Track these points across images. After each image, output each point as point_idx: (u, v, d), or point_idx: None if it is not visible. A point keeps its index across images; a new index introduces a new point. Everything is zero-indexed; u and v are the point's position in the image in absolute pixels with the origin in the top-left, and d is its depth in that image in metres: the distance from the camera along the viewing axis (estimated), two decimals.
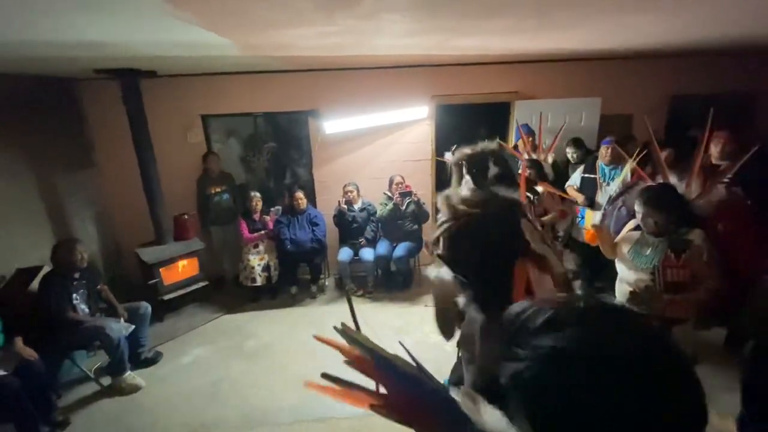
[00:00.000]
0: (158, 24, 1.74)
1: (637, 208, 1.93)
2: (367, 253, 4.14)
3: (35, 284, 2.96)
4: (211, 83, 4.14)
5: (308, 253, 4.13)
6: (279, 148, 4.79)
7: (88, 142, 4.19)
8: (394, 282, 4.28)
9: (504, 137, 4.49)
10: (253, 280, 4.00)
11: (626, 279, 2.02)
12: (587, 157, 3.79)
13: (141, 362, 3.17)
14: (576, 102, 4.24)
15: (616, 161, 3.47)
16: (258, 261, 4.03)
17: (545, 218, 3.16)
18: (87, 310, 2.99)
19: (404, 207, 4.17)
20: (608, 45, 3.21)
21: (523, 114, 4.23)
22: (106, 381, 2.97)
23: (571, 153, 3.92)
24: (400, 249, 4.15)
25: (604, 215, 2.21)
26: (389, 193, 4.25)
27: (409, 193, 4.16)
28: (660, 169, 2.28)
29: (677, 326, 1.89)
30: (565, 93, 4.32)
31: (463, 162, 2.03)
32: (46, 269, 3.03)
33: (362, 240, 4.27)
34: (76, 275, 2.94)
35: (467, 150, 2.19)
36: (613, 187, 3.47)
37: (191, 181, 4.23)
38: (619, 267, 2.06)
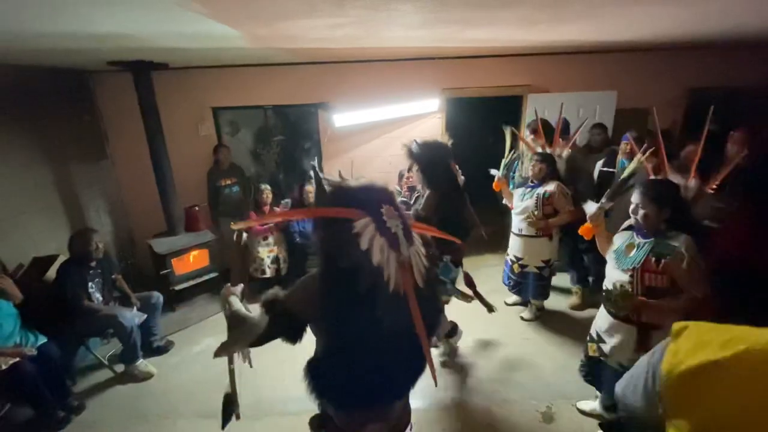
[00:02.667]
0: (170, 15, 1.74)
1: (634, 199, 1.86)
2: None
3: (51, 273, 3.04)
4: (222, 76, 4.15)
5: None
6: (288, 142, 4.79)
7: (102, 134, 4.25)
8: None
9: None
10: (263, 272, 4.03)
11: (609, 277, 1.98)
12: (607, 146, 3.72)
13: (153, 350, 3.23)
14: (591, 95, 4.15)
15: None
16: (267, 253, 4.06)
17: (553, 220, 3.02)
18: (101, 298, 3.05)
19: (412, 201, 4.14)
20: (626, 37, 3.13)
21: (536, 108, 4.15)
22: (120, 368, 3.04)
23: (597, 135, 3.85)
24: None
25: (600, 208, 2.19)
26: (398, 187, 4.22)
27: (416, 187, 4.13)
28: (661, 165, 2.21)
29: (655, 332, 1.85)
30: (580, 86, 4.24)
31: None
32: (62, 258, 3.10)
33: None
34: (92, 264, 2.99)
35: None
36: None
37: (202, 173, 4.27)
38: (608, 264, 2.04)
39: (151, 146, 3.68)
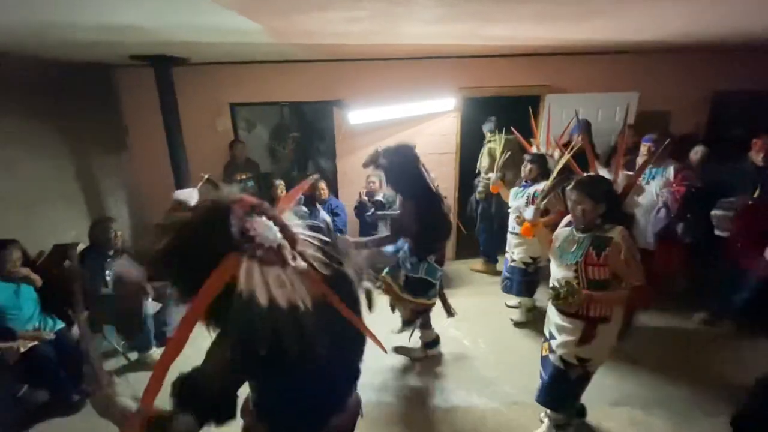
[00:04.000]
0: (192, 8, 1.77)
1: (569, 194, 1.91)
2: (388, 247, 4.12)
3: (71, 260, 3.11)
4: (240, 72, 4.20)
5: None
6: (303, 138, 4.82)
7: (122, 127, 4.34)
8: None
9: (532, 132, 4.38)
10: None
11: (554, 274, 2.00)
12: (631, 152, 3.65)
13: (166, 340, 3.28)
14: (611, 97, 4.07)
15: (659, 160, 3.32)
16: None
17: (544, 219, 2.83)
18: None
19: (370, 209, 4.11)
20: (651, 35, 3.06)
21: (553, 109, 4.09)
22: (134, 356, 3.10)
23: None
24: None
25: (536, 209, 2.24)
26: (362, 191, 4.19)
27: None
28: (590, 161, 2.26)
29: (602, 325, 1.87)
30: (600, 88, 4.16)
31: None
32: (82, 246, 3.18)
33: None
34: (111, 253, 3.06)
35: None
36: (654, 187, 3.33)
37: (218, 168, 4.32)
38: (551, 263, 2.05)
39: (169, 140, 3.74)
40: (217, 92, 4.28)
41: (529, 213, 2.35)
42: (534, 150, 3.48)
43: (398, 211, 2.87)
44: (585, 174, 2.09)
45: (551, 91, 4.19)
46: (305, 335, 0.82)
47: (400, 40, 2.98)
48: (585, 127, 3.77)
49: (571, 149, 2.37)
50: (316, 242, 1.00)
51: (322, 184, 4.17)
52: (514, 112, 4.10)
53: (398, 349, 3.06)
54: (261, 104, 4.48)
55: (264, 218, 0.93)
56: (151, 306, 3.08)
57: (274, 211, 0.95)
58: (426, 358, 3.02)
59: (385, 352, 1.14)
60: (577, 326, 1.91)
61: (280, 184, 4.18)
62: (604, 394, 2.58)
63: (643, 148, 3.37)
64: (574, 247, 1.90)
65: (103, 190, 3.95)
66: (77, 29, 2.18)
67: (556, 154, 3.19)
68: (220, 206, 0.88)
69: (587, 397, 2.54)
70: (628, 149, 3.76)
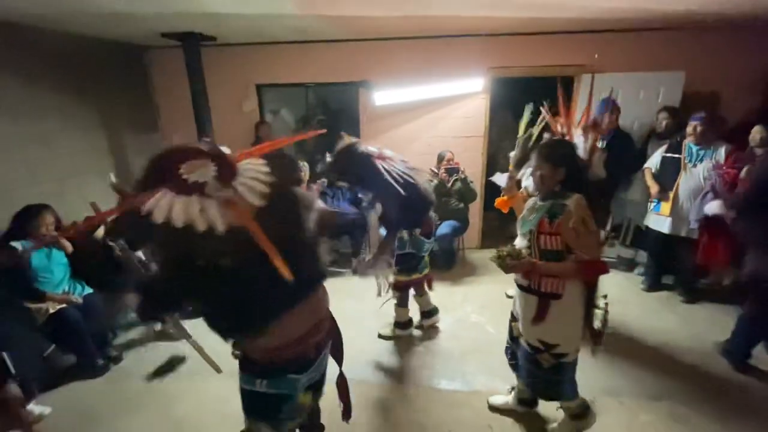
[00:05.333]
0: None
1: (532, 160, 1.81)
2: None
3: (100, 231, 3.20)
4: (267, 52, 4.21)
5: (350, 225, 4.11)
6: (328, 121, 4.80)
7: (154, 107, 4.46)
8: (437, 261, 4.14)
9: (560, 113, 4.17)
10: None
11: (518, 246, 1.85)
12: (676, 133, 3.39)
13: (188, 314, 3.31)
14: (653, 77, 3.79)
15: (708, 141, 3.07)
16: None
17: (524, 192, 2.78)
18: (143, 259, 3.17)
19: (450, 184, 4.00)
20: (697, 6, 2.82)
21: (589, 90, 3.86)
22: (157, 326, 3.14)
23: (664, 120, 3.55)
24: (444, 227, 3.99)
25: (510, 177, 2.10)
26: (435, 169, 4.09)
27: (456, 170, 3.98)
28: (567, 126, 2.23)
29: (554, 301, 1.73)
30: (641, 67, 3.89)
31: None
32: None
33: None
34: None
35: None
36: (701, 170, 3.08)
37: (244, 148, 4.36)
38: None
39: (197, 120, 3.80)
40: (243, 73, 4.32)
41: (501, 180, 2.15)
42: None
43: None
44: (551, 137, 1.95)
45: (587, 71, 3.96)
46: (212, 251, 1.01)
47: (428, 10, 2.88)
48: (611, 106, 3.54)
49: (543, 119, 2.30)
50: (260, 171, 1.18)
51: None
52: (545, 94, 3.90)
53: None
54: (287, 85, 4.48)
55: (200, 159, 1.12)
56: None
57: (216, 149, 1.19)
58: (395, 338, 2.98)
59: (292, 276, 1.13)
60: (531, 302, 1.80)
61: (303, 166, 4.17)
62: (643, 387, 2.42)
63: (690, 128, 3.13)
64: (533, 215, 1.79)
65: (134, 167, 4.06)
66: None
67: (576, 137, 2.92)
68: (156, 159, 1.12)
69: (624, 390, 2.39)
70: (672, 130, 3.51)
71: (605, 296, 1.91)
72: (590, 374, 2.51)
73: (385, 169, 2.25)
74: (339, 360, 1.64)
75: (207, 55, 3.76)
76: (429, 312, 3.07)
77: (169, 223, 0.97)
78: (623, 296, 3.51)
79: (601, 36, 3.90)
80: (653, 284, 3.61)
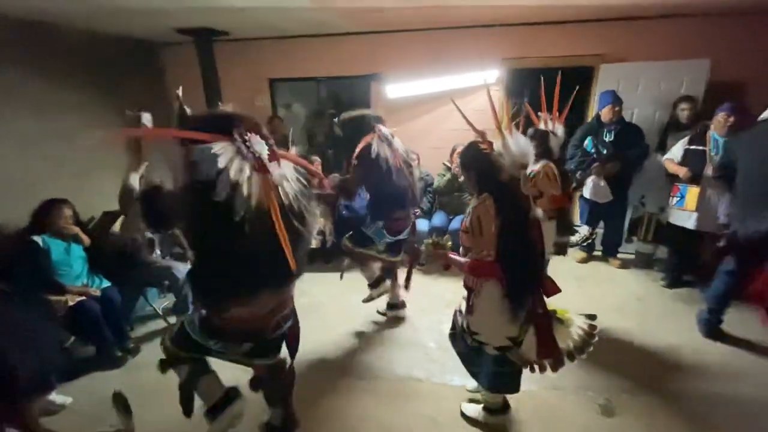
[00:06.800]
0: None
1: None
2: (422, 224, 4.00)
3: (117, 226, 3.26)
4: (279, 47, 4.21)
5: (362, 219, 4.09)
6: (340, 114, 4.77)
7: (168, 103, 4.50)
8: None
9: (584, 107, 4.06)
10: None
11: None
12: (694, 124, 3.27)
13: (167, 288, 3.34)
14: (676, 65, 3.65)
15: (736, 134, 2.94)
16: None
17: (539, 202, 2.48)
18: (159, 252, 3.23)
19: (462, 178, 3.94)
20: None
21: (609, 80, 3.76)
22: (172, 320, 3.20)
23: (686, 110, 3.44)
24: (457, 221, 3.95)
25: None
26: (448, 163, 4.04)
27: None
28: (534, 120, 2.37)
29: (473, 296, 1.79)
30: (663, 56, 3.75)
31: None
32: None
33: (417, 211, 4.13)
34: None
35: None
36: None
37: None
38: None
39: None
40: (256, 68, 4.33)
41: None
42: (541, 125, 3.06)
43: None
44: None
45: (605, 60, 3.84)
46: (235, 209, 1.14)
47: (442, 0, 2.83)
48: (614, 98, 3.44)
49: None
50: (295, 178, 1.40)
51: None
52: (563, 84, 3.81)
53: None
54: (299, 80, 4.48)
55: (260, 137, 1.31)
56: (183, 270, 3.16)
57: (267, 133, 1.37)
58: (370, 299, 3.11)
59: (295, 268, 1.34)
60: (464, 294, 1.90)
61: (315, 160, 4.17)
62: (663, 384, 2.35)
63: (720, 118, 2.98)
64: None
65: (151, 163, 4.11)
66: None
67: (559, 130, 2.69)
68: (230, 114, 1.35)
69: (643, 389, 2.32)
70: (693, 121, 3.39)
71: (592, 317, 1.92)
72: (607, 372, 2.47)
73: (377, 153, 2.45)
74: (293, 351, 1.78)
75: (220, 51, 3.79)
76: (395, 305, 3.17)
77: (223, 171, 1.12)
78: (643, 293, 3.42)
79: (620, 24, 3.77)
80: (674, 281, 3.51)
